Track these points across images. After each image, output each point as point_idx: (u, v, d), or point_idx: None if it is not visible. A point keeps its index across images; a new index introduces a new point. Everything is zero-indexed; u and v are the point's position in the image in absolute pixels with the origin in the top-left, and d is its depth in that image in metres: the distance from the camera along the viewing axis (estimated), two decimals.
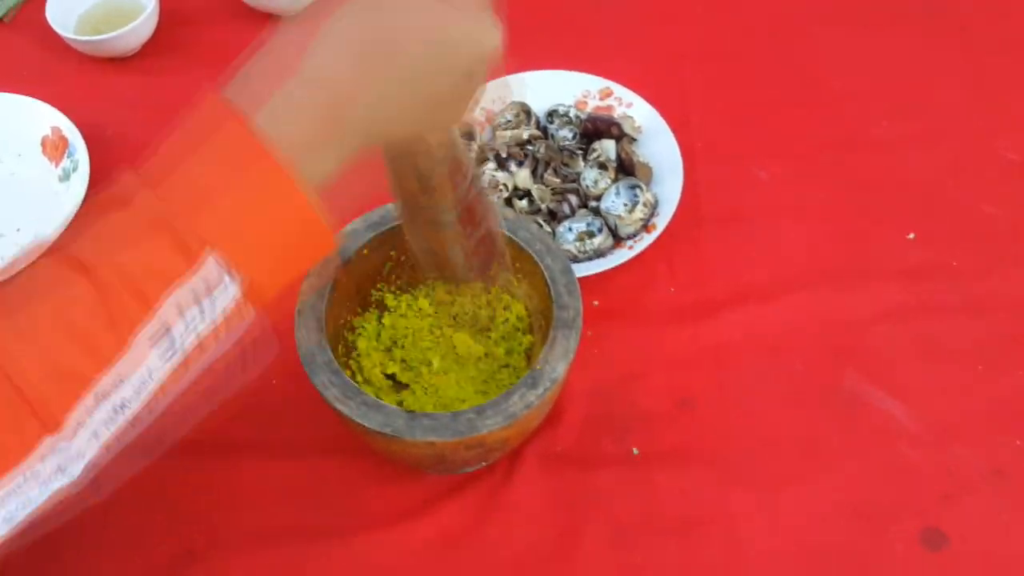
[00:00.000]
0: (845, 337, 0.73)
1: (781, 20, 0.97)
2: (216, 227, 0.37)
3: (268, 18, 0.98)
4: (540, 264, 0.62)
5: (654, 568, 0.63)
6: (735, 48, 0.95)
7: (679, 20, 0.97)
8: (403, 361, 0.68)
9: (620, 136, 0.81)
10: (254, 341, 0.41)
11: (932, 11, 0.97)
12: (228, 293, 0.38)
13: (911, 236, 0.79)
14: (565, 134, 0.84)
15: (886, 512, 0.64)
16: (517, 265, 0.66)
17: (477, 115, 0.84)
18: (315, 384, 0.56)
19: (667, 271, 0.77)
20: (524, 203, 0.79)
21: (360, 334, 0.68)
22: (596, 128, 0.82)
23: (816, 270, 0.77)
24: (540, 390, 0.56)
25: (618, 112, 0.84)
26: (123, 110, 0.91)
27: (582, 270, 0.71)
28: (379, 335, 0.69)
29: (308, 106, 0.39)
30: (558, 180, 0.80)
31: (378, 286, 0.69)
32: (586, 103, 0.86)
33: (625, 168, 0.80)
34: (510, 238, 0.63)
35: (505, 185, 0.79)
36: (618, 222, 0.76)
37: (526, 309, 0.68)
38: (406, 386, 0.67)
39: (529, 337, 0.68)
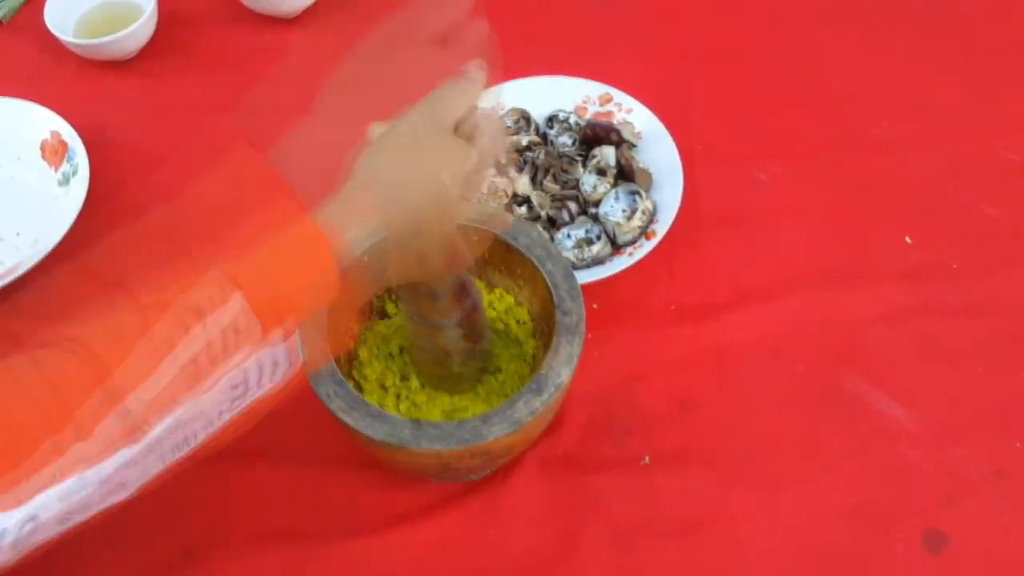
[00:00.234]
0: (845, 338, 0.74)
1: (781, 21, 0.97)
2: (286, 305, 0.44)
3: (267, 21, 0.98)
4: (541, 269, 0.62)
5: (655, 570, 0.63)
6: (735, 49, 0.95)
7: (679, 21, 0.97)
8: (404, 369, 0.68)
9: (620, 142, 0.81)
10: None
11: (932, 11, 0.97)
12: (287, 366, 0.45)
13: (908, 240, 0.79)
14: (565, 140, 0.84)
15: (887, 513, 0.65)
16: (518, 271, 0.66)
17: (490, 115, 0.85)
18: (319, 395, 0.56)
19: (667, 273, 0.77)
20: (523, 210, 0.79)
21: (361, 343, 0.68)
22: (596, 134, 0.82)
23: (816, 271, 0.78)
24: (545, 396, 0.56)
25: (618, 118, 0.84)
26: (122, 113, 0.92)
27: (581, 277, 0.71)
28: (380, 344, 0.69)
29: (384, 258, 0.49)
30: (557, 187, 0.80)
31: (379, 296, 0.69)
32: (586, 109, 0.86)
33: (625, 174, 0.80)
34: (510, 244, 0.63)
35: (504, 191, 0.79)
36: (616, 229, 0.76)
37: (529, 314, 0.68)
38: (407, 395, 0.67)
39: (532, 343, 0.68)
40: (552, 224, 0.79)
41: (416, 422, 0.55)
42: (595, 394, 0.70)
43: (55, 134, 0.86)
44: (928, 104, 0.89)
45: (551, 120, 0.85)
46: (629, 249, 0.76)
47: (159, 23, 0.95)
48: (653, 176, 0.80)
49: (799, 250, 0.79)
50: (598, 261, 0.75)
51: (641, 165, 0.80)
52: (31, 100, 0.87)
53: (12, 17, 1.00)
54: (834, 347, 0.73)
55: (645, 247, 0.75)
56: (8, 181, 0.87)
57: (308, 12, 0.98)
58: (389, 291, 0.69)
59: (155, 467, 0.41)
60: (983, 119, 0.88)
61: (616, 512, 0.65)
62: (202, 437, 0.42)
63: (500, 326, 0.69)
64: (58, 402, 0.38)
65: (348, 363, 0.66)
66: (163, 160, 0.88)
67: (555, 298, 0.61)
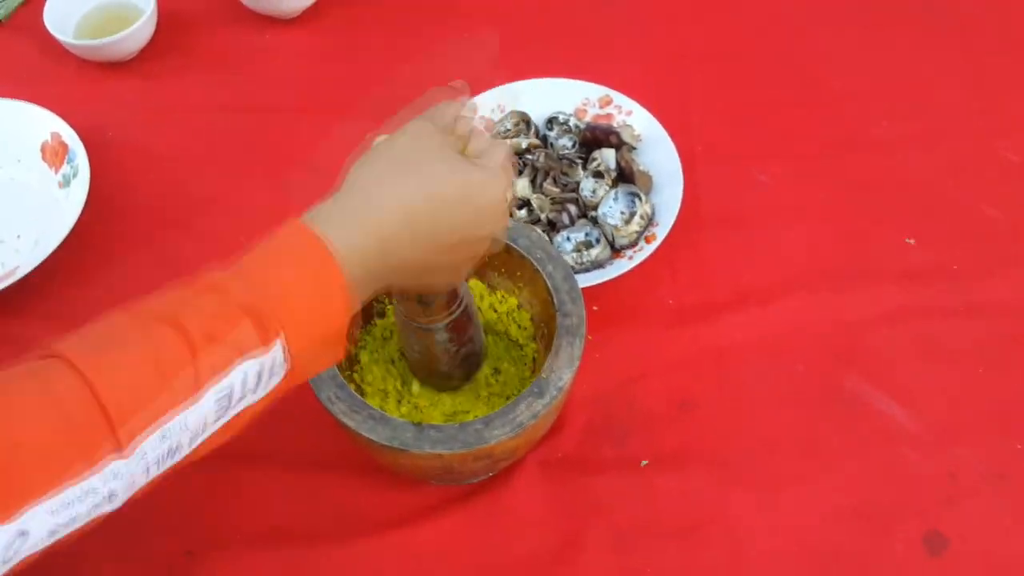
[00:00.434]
0: (845, 339, 0.74)
1: (781, 21, 0.97)
2: (288, 320, 0.43)
3: (267, 21, 0.98)
4: (541, 272, 0.62)
5: (655, 571, 0.63)
6: (735, 49, 0.95)
7: (679, 22, 0.97)
8: (405, 373, 0.68)
9: (619, 145, 0.81)
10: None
11: (932, 11, 0.97)
12: (278, 376, 0.44)
13: (912, 242, 0.79)
14: (564, 143, 0.83)
15: (887, 514, 0.65)
16: (518, 273, 0.66)
17: (477, 123, 0.85)
18: (321, 399, 0.56)
19: (667, 274, 0.77)
20: (523, 213, 0.79)
21: (362, 347, 0.68)
22: (595, 137, 0.82)
23: (816, 271, 0.78)
24: (547, 399, 0.56)
25: (618, 120, 0.84)
26: (122, 114, 0.91)
27: (581, 280, 0.71)
28: (380, 348, 0.69)
29: (373, 260, 0.47)
30: (557, 189, 0.80)
31: (379, 298, 0.69)
32: (585, 111, 0.86)
33: (625, 177, 0.80)
34: (510, 246, 0.63)
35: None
36: (615, 232, 0.76)
37: (530, 317, 0.68)
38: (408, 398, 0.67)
39: (533, 345, 0.68)
40: (552, 227, 0.79)
41: (418, 425, 0.55)
42: (595, 395, 0.70)
43: (55, 136, 0.85)
44: (928, 104, 0.89)
45: (551, 122, 0.85)
46: (629, 252, 0.76)
47: (159, 24, 0.95)
48: (653, 178, 0.80)
49: (799, 250, 0.79)
50: (597, 265, 0.75)
51: (641, 167, 0.80)
52: (31, 102, 0.87)
53: (10, 17, 1.00)
54: (834, 347, 0.73)
55: (645, 250, 0.75)
56: (8, 183, 0.87)
57: (308, 12, 0.98)
58: (388, 294, 0.69)
59: (142, 479, 0.40)
60: (983, 119, 0.88)
61: (617, 513, 0.65)
62: (186, 449, 0.42)
63: (501, 328, 0.69)
64: (62, 420, 0.38)
65: (349, 367, 0.66)
66: (164, 160, 0.88)
67: (555, 300, 0.61)
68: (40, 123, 0.86)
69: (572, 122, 0.84)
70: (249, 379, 0.42)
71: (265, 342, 0.42)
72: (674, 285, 0.77)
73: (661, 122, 0.82)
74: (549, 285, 0.62)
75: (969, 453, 0.67)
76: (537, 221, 0.79)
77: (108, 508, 0.40)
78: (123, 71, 0.95)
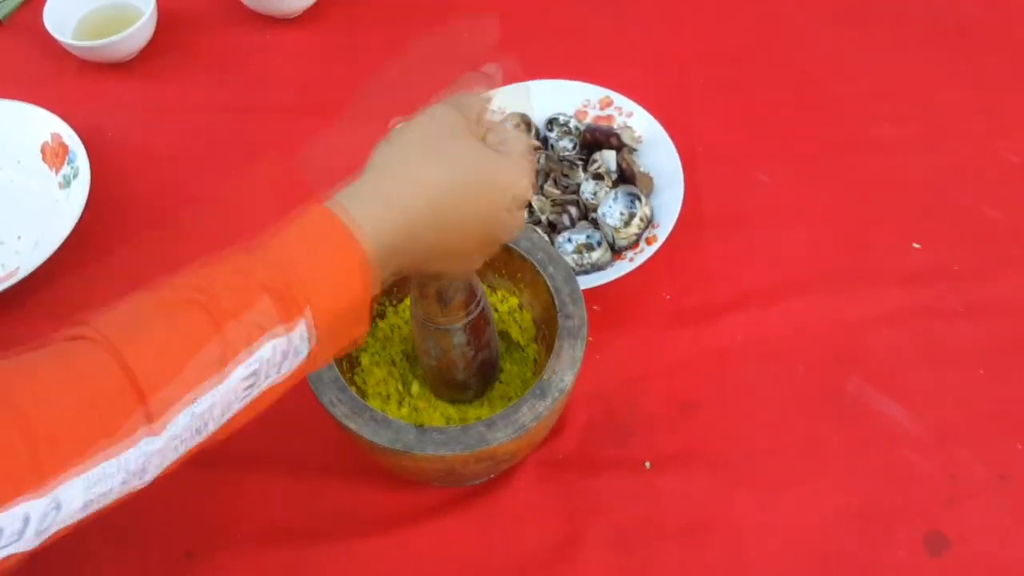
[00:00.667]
0: (847, 340, 0.74)
1: (781, 22, 0.97)
2: (314, 293, 0.43)
3: (267, 21, 0.98)
4: (543, 274, 0.62)
5: (656, 571, 0.63)
6: (735, 51, 0.95)
7: (678, 24, 0.97)
8: (406, 375, 0.68)
9: (620, 147, 0.81)
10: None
11: (932, 12, 0.97)
12: (303, 352, 0.44)
13: (916, 246, 0.79)
14: (565, 144, 0.83)
15: (889, 516, 0.65)
16: (519, 275, 0.66)
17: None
18: (323, 403, 0.56)
19: (668, 275, 0.77)
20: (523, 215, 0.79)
21: (363, 349, 0.68)
22: (596, 138, 0.82)
23: (817, 272, 0.78)
24: (549, 400, 0.56)
25: (618, 122, 0.84)
26: (123, 115, 0.91)
27: (582, 282, 0.71)
28: (381, 350, 0.69)
29: (398, 238, 0.47)
30: (558, 191, 0.80)
31: (380, 300, 0.69)
32: (586, 112, 0.86)
33: (626, 178, 0.80)
34: (511, 248, 0.63)
35: None
36: (614, 233, 0.76)
37: (531, 318, 0.68)
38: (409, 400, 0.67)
39: (535, 346, 0.68)
40: (553, 229, 0.79)
41: (420, 427, 0.55)
42: (596, 396, 0.70)
43: (55, 136, 0.85)
44: (928, 105, 0.89)
45: (551, 124, 0.85)
46: (630, 254, 0.76)
47: (159, 24, 0.95)
48: (654, 180, 0.80)
49: (800, 252, 0.79)
50: (598, 267, 0.75)
51: (642, 169, 0.80)
52: (31, 102, 0.87)
53: (10, 17, 1.00)
54: (835, 349, 0.73)
55: (646, 252, 0.75)
56: (8, 184, 0.87)
57: (308, 12, 0.98)
58: (389, 295, 0.69)
59: (172, 455, 0.41)
60: (984, 120, 0.88)
61: (618, 514, 0.65)
62: (213, 427, 0.42)
63: (503, 329, 0.69)
64: (94, 392, 0.38)
65: (350, 369, 0.66)
66: (164, 161, 0.88)
67: (557, 302, 0.61)
68: (40, 124, 0.86)
69: (572, 124, 0.84)
70: (276, 355, 0.43)
71: (289, 318, 0.43)
72: (675, 286, 0.77)
73: (661, 123, 0.82)
74: (550, 287, 0.62)
75: (970, 454, 0.67)
76: (538, 223, 0.79)
77: (138, 483, 0.40)
78: (123, 71, 0.95)
